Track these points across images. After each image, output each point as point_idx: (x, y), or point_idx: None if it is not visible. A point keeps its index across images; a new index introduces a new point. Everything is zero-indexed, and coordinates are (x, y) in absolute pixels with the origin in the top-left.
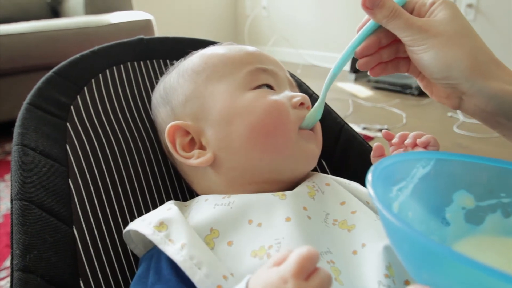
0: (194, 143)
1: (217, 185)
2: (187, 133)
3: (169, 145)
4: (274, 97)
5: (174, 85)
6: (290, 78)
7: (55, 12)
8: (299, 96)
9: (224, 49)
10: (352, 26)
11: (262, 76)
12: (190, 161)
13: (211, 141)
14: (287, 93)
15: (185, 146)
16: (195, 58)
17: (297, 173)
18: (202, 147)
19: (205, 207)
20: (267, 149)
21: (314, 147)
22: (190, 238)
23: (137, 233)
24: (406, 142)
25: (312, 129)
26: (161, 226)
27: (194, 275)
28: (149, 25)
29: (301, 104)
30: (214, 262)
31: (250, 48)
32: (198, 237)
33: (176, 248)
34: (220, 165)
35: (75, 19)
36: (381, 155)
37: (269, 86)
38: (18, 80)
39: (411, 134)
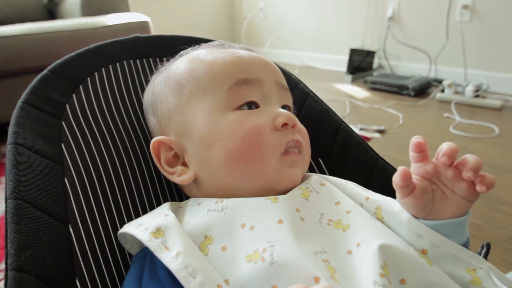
0: (178, 158)
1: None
2: (171, 148)
3: (155, 159)
4: (255, 121)
5: (160, 95)
6: (282, 81)
7: (51, 13)
8: (282, 116)
9: (211, 56)
10: (347, 27)
11: (244, 90)
12: (173, 177)
13: (192, 160)
14: (272, 110)
15: (169, 161)
16: (182, 66)
17: (279, 192)
18: (185, 164)
19: (199, 213)
20: (245, 175)
21: (296, 171)
22: (185, 246)
23: (133, 236)
24: (465, 174)
25: (300, 147)
26: (157, 233)
27: (188, 284)
28: (146, 27)
29: (285, 124)
30: (208, 271)
31: (237, 54)
32: (193, 244)
33: (172, 256)
34: (202, 183)
35: (72, 20)
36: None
37: (253, 103)
38: (14, 82)
39: (471, 163)
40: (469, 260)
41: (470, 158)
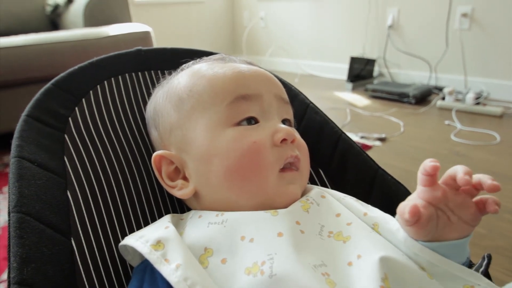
0: (179, 172)
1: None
2: (172, 162)
3: (156, 173)
4: (254, 137)
5: (162, 109)
6: (282, 95)
7: (54, 24)
8: (281, 131)
9: (212, 71)
10: (347, 36)
11: (244, 106)
12: (174, 191)
13: (192, 175)
14: (272, 125)
15: (170, 174)
16: (183, 80)
17: (279, 208)
18: (185, 178)
19: (199, 225)
20: (245, 191)
21: (295, 188)
22: (185, 259)
23: (134, 248)
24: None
25: (298, 163)
26: (158, 245)
27: None
28: (148, 37)
29: (284, 140)
30: (208, 284)
31: (237, 69)
32: (193, 257)
33: (171, 269)
34: (202, 197)
35: (74, 31)
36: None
37: (252, 118)
38: (17, 92)
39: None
40: (467, 277)
41: (484, 177)
